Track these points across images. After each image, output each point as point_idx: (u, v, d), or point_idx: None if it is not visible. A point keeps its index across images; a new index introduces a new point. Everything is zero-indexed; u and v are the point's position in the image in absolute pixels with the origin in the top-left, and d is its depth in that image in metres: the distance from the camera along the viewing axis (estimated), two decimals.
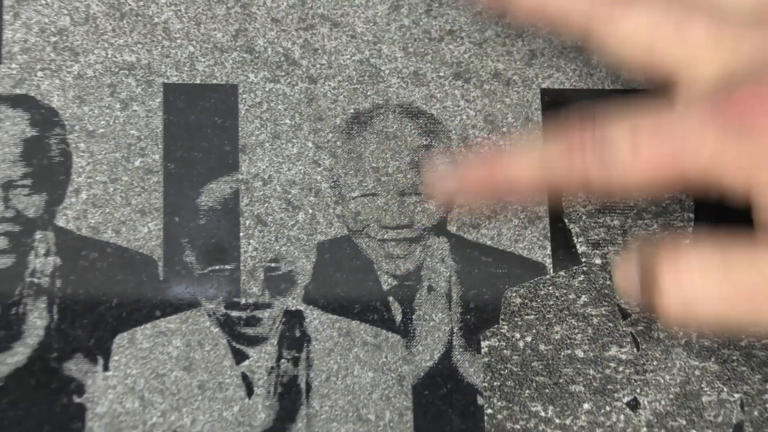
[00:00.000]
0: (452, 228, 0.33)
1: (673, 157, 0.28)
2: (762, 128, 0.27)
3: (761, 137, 0.27)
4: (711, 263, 0.27)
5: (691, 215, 0.34)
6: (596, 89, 0.34)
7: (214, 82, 0.33)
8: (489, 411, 0.31)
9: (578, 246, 0.33)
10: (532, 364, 0.32)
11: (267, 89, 0.33)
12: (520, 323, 0.32)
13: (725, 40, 0.29)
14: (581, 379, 0.32)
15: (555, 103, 0.34)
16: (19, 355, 0.30)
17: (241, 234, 0.32)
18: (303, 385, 0.31)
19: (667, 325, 0.31)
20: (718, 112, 0.27)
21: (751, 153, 0.27)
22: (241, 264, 0.32)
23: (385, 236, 0.32)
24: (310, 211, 0.32)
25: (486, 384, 0.31)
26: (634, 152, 0.28)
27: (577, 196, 0.34)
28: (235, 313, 0.31)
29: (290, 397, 0.31)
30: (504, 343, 0.32)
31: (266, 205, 0.32)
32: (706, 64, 0.29)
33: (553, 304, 0.32)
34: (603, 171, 0.28)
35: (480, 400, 0.31)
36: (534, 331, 0.32)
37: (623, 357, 0.32)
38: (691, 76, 0.29)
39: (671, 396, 0.32)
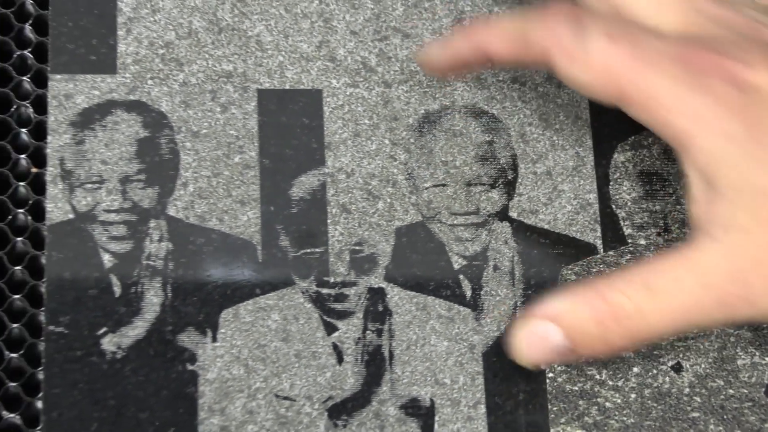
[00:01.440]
0: (513, 214, 0.36)
1: (630, 69, 0.29)
2: (713, 87, 0.29)
3: (709, 95, 0.29)
4: (636, 294, 0.29)
5: None
6: None
7: (302, 87, 0.36)
8: (550, 375, 0.35)
9: (625, 228, 0.37)
10: None
11: (348, 93, 0.36)
12: None
13: (690, 5, 0.31)
14: None
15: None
16: (139, 328, 0.34)
17: (329, 221, 0.35)
18: (386, 354, 0.34)
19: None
20: (682, 56, 0.29)
21: (696, 108, 0.29)
22: (329, 247, 0.35)
23: (455, 222, 0.36)
24: (388, 200, 0.36)
25: None
26: (603, 48, 0.29)
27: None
28: (325, 291, 0.35)
29: (375, 364, 0.34)
30: None
31: (350, 195, 0.36)
32: (673, 16, 0.31)
33: None
34: (569, 53, 0.30)
35: (542, 365, 0.35)
36: None
37: None
38: (656, 24, 0.31)
39: (710, 360, 0.35)
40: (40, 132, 0.36)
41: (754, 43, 0.30)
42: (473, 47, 0.33)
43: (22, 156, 0.36)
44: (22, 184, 0.36)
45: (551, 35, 0.30)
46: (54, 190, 0.34)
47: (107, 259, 0.34)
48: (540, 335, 0.30)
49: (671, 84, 0.29)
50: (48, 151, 0.35)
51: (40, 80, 0.36)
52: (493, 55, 0.32)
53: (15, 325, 0.34)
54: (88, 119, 0.35)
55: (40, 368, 0.34)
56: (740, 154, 0.29)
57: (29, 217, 0.35)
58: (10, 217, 0.35)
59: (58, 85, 0.35)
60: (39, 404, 0.33)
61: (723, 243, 0.29)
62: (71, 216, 0.34)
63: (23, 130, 0.36)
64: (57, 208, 0.34)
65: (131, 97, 0.35)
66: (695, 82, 0.29)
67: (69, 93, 0.35)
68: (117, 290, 0.34)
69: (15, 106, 0.36)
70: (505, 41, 0.32)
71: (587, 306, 0.30)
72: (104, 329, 0.33)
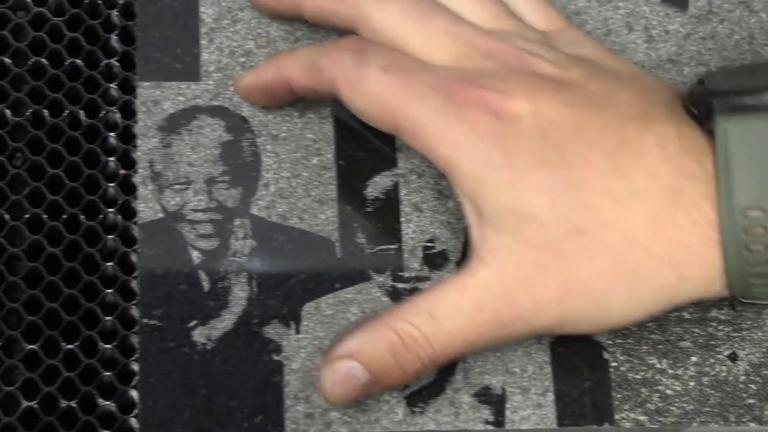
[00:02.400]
0: None
1: (400, 102, 0.32)
2: (472, 117, 0.31)
3: (469, 125, 0.31)
4: (421, 321, 0.32)
5: None
6: None
7: None
8: (614, 364, 0.36)
9: None
10: (647, 324, 0.37)
11: None
12: None
13: (460, 38, 0.33)
14: (688, 336, 0.37)
15: None
16: (227, 321, 0.35)
17: (402, 219, 0.37)
18: None
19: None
20: (445, 89, 0.31)
21: (455, 137, 0.31)
22: (403, 244, 0.37)
23: None
24: (458, 199, 0.37)
25: (610, 341, 0.36)
26: (378, 78, 0.32)
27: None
28: (400, 285, 0.36)
29: None
30: None
31: (421, 194, 0.37)
32: (441, 56, 0.33)
33: None
34: (349, 82, 0.32)
35: (605, 355, 0.36)
36: None
37: (722, 317, 0.37)
38: (429, 57, 0.33)
39: (764, 349, 0.37)
40: (126, 136, 0.38)
41: (516, 73, 0.32)
42: (277, 76, 0.35)
43: (111, 158, 0.38)
44: (111, 185, 0.37)
45: (336, 65, 0.33)
46: (145, 190, 0.36)
47: (196, 256, 0.36)
48: (345, 374, 0.32)
49: (435, 115, 0.31)
50: (138, 154, 0.37)
51: (127, 87, 0.38)
52: (293, 84, 0.35)
53: (108, 318, 0.36)
54: (174, 124, 0.37)
55: (133, 358, 0.35)
56: (498, 179, 0.31)
57: (119, 216, 0.37)
58: (101, 216, 0.37)
59: (146, 92, 0.37)
60: (132, 392, 0.35)
61: (492, 266, 0.31)
62: (161, 215, 0.36)
63: (111, 134, 0.38)
64: (148, 207, 0.36)
65: (214, 103, 0.37)
66: (457, 113, 0.31)
67: (156, 99, 0.37)
68: (206, 285, 0.36)
69: (104, 112, 0.38)
70: (301, 70, 0.34)
71: (380, 339, 0.32)
72: (195, 322, 0.35)
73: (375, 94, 0.32)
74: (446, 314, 0.32)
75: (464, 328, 0.32)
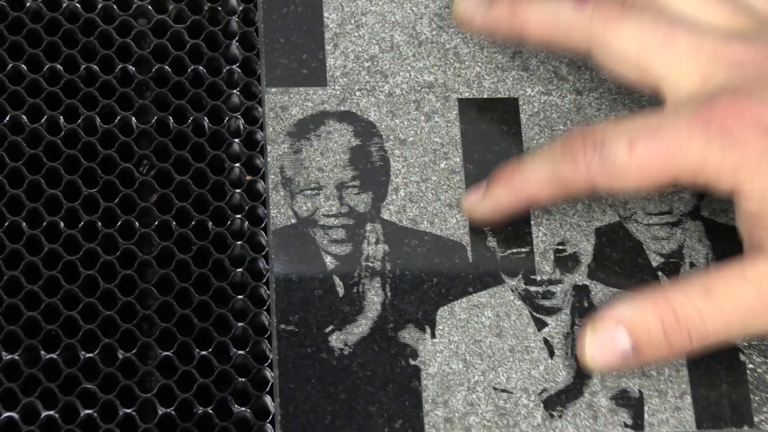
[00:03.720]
0: (705, 213, 0.38)
1: (665, 158, 0.31)
2: (741, 138, 0.30)
3: (741, 147, 0.30)
4: (695, 296, 0.31)
5: None
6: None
7: (498, 96, 0.38)
8: (750, 366, 0.36)
9: None
10: None
11: (542, 101, 0.38)
12: None
13: (705, 52, 0.32)
14: None
15: None
16: (362, 326, 0.35)
17: (532, 222, 0.37)
18: None
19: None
20: (701, 121, 0.30)
21: (733, 161, 0.30)
22: (534, 247, 0.37)
23: (650, 221, 0.37)
24: (587, 201, 0.38)
25: (746, 343, 0.36)
26: (630, 153, 0.31)
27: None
28: (533, 288, 0.36)
29: None
30: None
31: None
32: (689, 75, 0.32)
33: None
34: (603, 172, 0.31)
35: (742, 357, 0.36)
36: None
37: None
38: (675, 86, 0.32)
39: None
40: (250, 142, 0.38)
41: None
42: (519, 200, 0.34)
43: (236, 164, 0.37)
44: (237, 191, 0.37)
45: (582, 170, 0.32)
46: (276, 196, 0.36)
47: (329, 261, 0.36)
48: (609, 340, 0.32)
49: (702, 152, 0.31)
50: (269, 160, 0.37)
51: (249, 93, 0.38)
52: (536, 202, 0.34)
53: (240, 324, 0.36)
54: (303, 129, 0.37)
55: (266, 364, 0.35)
56: None
57: (246, 223, 0.37)
58: (228, 222, 0.37)
59: (273, 98, 0.37)
60: (267, 398, 0.35)
61: None
62: (293, 221, 0.36)
63: (236, 140, 0.38)
64: (280, 213, 0.36)
65: (342, 108, 0.37)
66: (722, 139, 0.30)
67: (285, 105, 0.37)
68: (340, 290, 0.36)
69: (227, 118, 0.38)
70: (544, 187, 0.33)
71: (652, 307, 0.31)
72: (331, 327, 0.35)
73: (636, 169, 0.31)
74: (724, 294, 0.31)
75: (741, 310, 0.31)
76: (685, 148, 0.31)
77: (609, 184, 0.32)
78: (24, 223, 0.36)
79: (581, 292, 0.36)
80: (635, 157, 0.31)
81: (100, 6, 0.38)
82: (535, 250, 0.37)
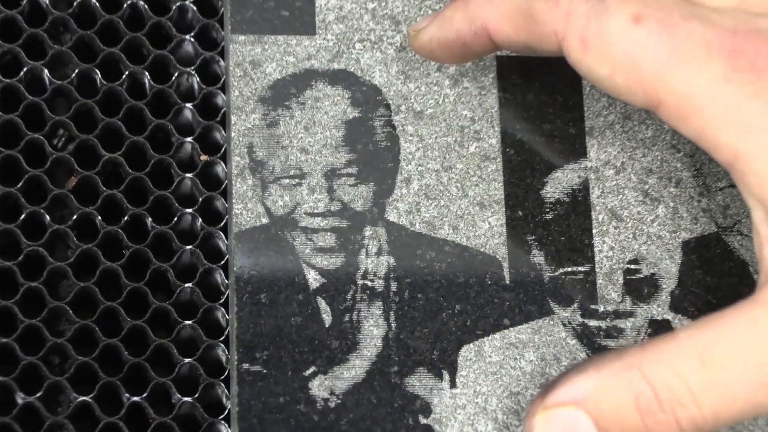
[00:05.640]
0: None
1: (663, 57, 0.30)
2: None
3: (765, 100, 0.29)
4: (687, 369, 0.30)
5: None
6: None
7: None
8: None
9: None
10: None
11: None
12: None
13: None
14: None
15: None
16: (356, 368, 0.34)
17: (594, 231, 0.36)
18: None
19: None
20: (732, 45, 0.30)
21: (748, 113, 0.30)
22: (596, 265, 0.36)
23: None
24: (672, 204, 0.36)
25: None
26: (629, 27, 0.30)
27: None
28: (593, 323, 0.35)
29: None
30: None
31: (620, 197, 0.36)
32: None
33: None
34: (585, 31, 0.31)
35: None
36: None
37: None
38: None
39: None
40: (207, 109, 0.37)
41: None
42: (471, 27, 0.34)
43: (188, 139, 0.37)
44: (188, 176, 0.36)
45: (562, 12, 0.31)
46: (243, 186, 0.35)
47: (313, 277, 0.35)
48: (566, 428, 0.31)
49: (713, 85, 0.30)
50: (233, 135, 0.36)
51: (207, 40, 0.37)
52: (495, 37, 0.34)
53: (186, 360, 0.35)
54: (281, 94, 0.36)
55: (222, 416, 0.35)
56: None
57: (199, 221, 0.36)
58: (175, 218, 0.36)
59: (241, 48, 0.36)
60: None
61: None
62: (265, 220, 0.35)
63: (188, 105, 0.37)
64: (246, 210, 0.35)
65: (336, 66, 0.36)
66: (747, 83, 0.30)
67: (256, 60, 0.36)
68: (327, 318, 0.35)
69: (176, 74, 0.37)
70: (507, 18, 0.33)
71: (623, 386, 0.30)
72: (312, 369, 0.34)
73: (623, 54, 0.31)
74: (725, 361, 0.29)
75: (750, 382, 0.29)
76: (693, 65, 0.30)
77: (581, 59, 0.31)
78: None
79: (660, 329, 0.35)
80: (629, 40, 0.30)
81: None
82: (597, 270, 0.36)
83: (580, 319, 0.35)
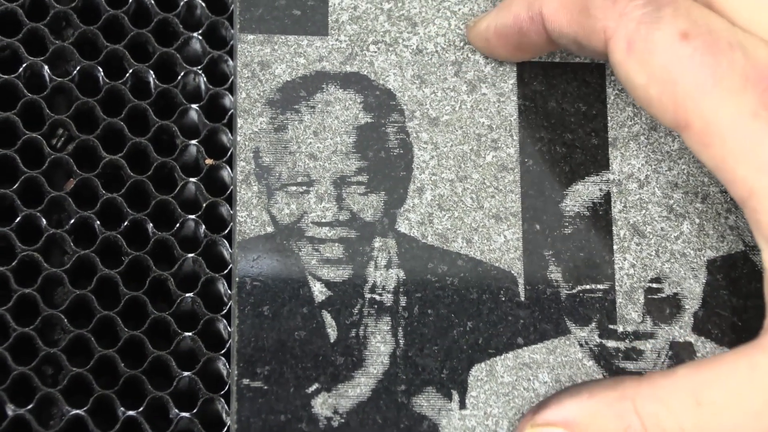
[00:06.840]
0: None
1: (699, 78, 0.30)
2: None
3: None
4: (680, 407, 0.30)
5: None
6: None
7: (576, 60, 0.36)
8: None
9: None
10: None
11: None
12: None
13: None
14: None
15: None
16: (361, 386, 0.34)
17: (615, 247, 0.35)
18: None
19: None
20: (764, 79, 0.30)
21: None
22: (617, 283, 0.35)
23: None
24: (697, 220, 0.35)
25: None
26: (675, 40, 0.30)
27: None
28: (611, 344, 0.35)
29: None
30: None
31: (644, 212, 0.35)
32: None
33: None
34: (636, 35, 0.31)
35: None
36: None
37: None
38: (749, 25, 0.31)
39: None
40: (214, 111, 0.36)
41: None
42: (529, 13, 0.34)
43: (192, 142, 0.36)
44: (192, 180, 0.36)
45: (616, 11, 0.32)
46: (248, 192, 0.34)
47: (318, 290, 0.34)
48: None
49: (742, 118, 0.30)
50: (239, 138, 0.35)
51: (215, 39, 0.37)
52: (549, 26, 0.34)
53: (186, 374, 0.34)
54: (290, 97, 0.35)
55: None
56: None
57: (202, 228, 0.36)
58: (177, 225, 0.35)
59: (250, 48, 0.35)
60: None
61: None
62: (270, 229, 0.34)
63: (193, 106, 0.36)
64: (251, 217, 0.34)
65: (348, 69, 0.36)
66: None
67: (265, 60, 0.35)
68: (332, 333, 0.34)
69: (182, 73, 0.36)
70: (564, 9, 0.33)
71: (613, 416, 0.31)
72: (315, 386, 0.34)
73: (662, 66, 0.31)
74: (721, 404, 0.30)
75: (745, 427, 0.29)
76: (727, 93, 0.30)
77: (623, 62, 0.31)
78: None
79: (682, 352, 0.34)
80: (673, 53, 0.30)
81: None
82: (617, 288, 0.35)
83: (598, 340, 0.34)
